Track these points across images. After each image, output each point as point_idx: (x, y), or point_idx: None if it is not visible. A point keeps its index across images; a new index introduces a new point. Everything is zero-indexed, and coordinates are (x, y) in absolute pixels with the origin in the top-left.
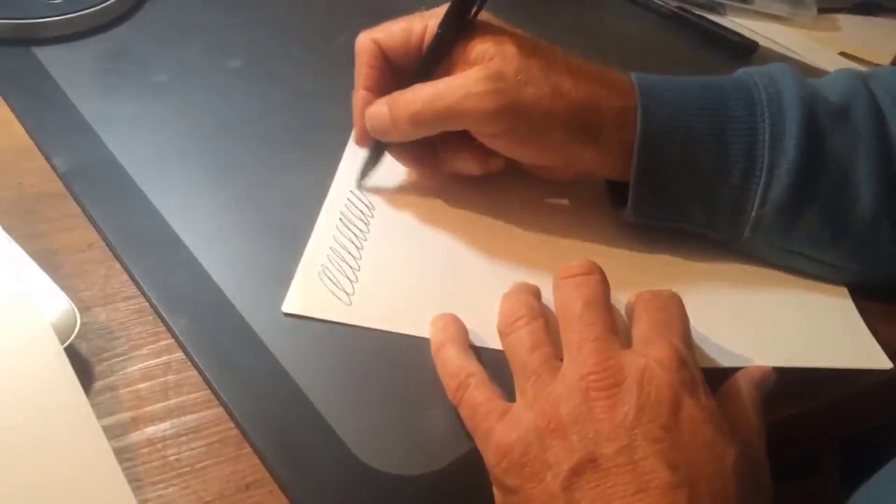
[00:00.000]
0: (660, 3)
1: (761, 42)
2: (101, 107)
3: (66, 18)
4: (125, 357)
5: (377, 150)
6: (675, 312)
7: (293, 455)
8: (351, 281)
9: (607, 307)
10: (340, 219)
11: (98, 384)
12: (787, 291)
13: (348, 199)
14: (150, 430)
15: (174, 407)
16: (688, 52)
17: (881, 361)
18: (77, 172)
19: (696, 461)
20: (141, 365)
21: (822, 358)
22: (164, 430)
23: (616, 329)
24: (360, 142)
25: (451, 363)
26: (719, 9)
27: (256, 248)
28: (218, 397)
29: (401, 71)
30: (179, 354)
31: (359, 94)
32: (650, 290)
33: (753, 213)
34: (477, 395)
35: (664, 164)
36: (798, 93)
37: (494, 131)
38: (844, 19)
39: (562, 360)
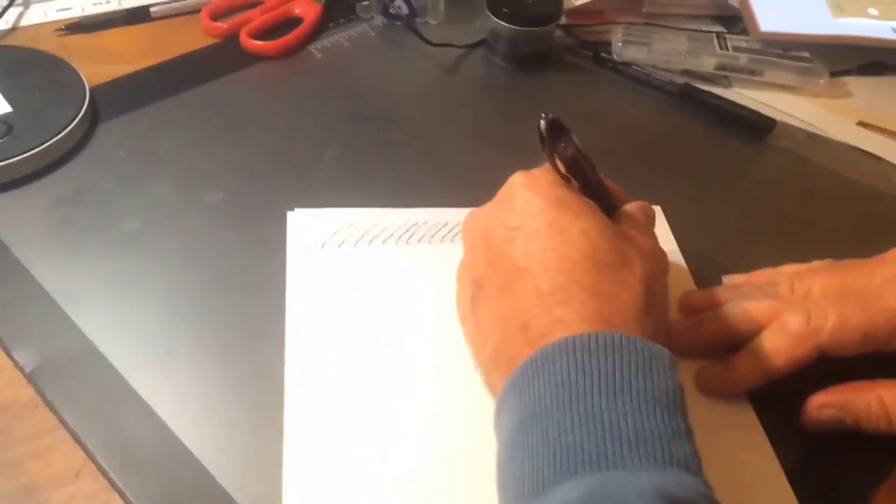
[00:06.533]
0: (664, 80)
1: (776, 117)
2: (62, 271)
3: (6, 164)
4: None
5: None
6: None
7: None
8: None
9: None
10: None
11: None
12: None
13: None
14: None
15: None
16: (701, 133)
17: None
18: (47, 369)
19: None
20: None
21: None
22: None
23: None
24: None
25: None
26: (723, 81)
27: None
28: None
29: None
30: None
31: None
32: None
33: None
34: None
35: None
36: None
37: None
38: (854, 82)
39: None
